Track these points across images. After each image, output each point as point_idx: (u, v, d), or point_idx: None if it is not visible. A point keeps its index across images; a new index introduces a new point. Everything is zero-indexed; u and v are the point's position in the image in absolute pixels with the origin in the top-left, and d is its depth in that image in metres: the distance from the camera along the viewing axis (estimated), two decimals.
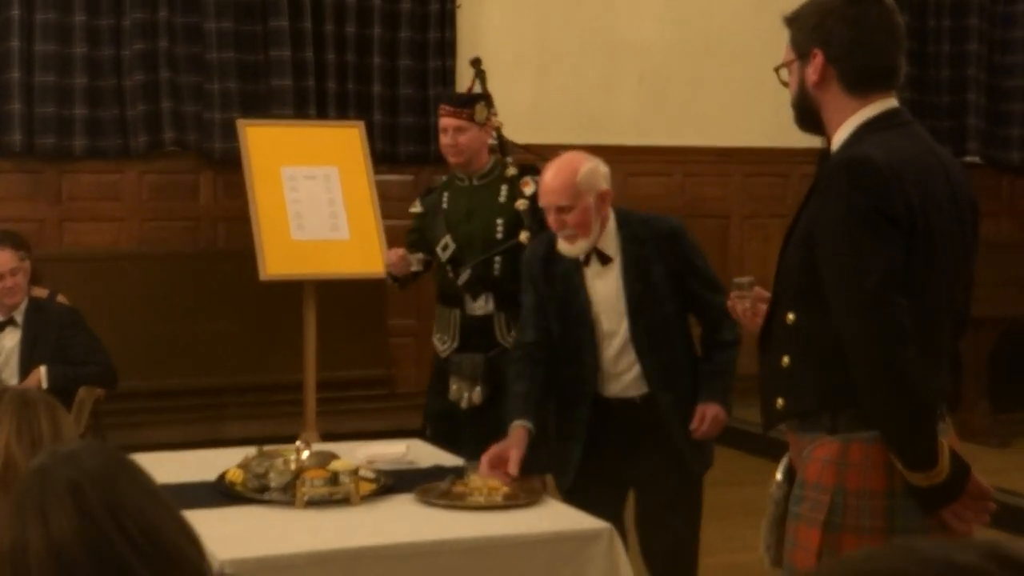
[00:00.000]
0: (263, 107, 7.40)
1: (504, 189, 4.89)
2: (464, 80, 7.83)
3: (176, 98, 7.34)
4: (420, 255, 5.03)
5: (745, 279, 3.16)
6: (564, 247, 3.97)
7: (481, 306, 4.85)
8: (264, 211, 6.45)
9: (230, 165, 7.12)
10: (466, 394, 4.79)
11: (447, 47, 7.78)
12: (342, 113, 7.57)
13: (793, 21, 2.89)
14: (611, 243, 4.00)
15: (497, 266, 4.82)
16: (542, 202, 4.03)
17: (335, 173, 6.69)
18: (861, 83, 2.80)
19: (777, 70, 2.94)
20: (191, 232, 7.54)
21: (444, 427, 4.90)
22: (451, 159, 4.99)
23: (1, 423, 2.12)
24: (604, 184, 3.96)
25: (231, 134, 7.00)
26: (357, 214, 6.61)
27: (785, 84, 2.92)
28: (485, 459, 3.81)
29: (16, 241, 5.78)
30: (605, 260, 3.99)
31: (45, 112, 7.09)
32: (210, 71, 7.33)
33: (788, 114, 2.96)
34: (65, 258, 7.10)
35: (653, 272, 3.98)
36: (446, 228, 4.92)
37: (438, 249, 4.93)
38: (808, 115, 2.89)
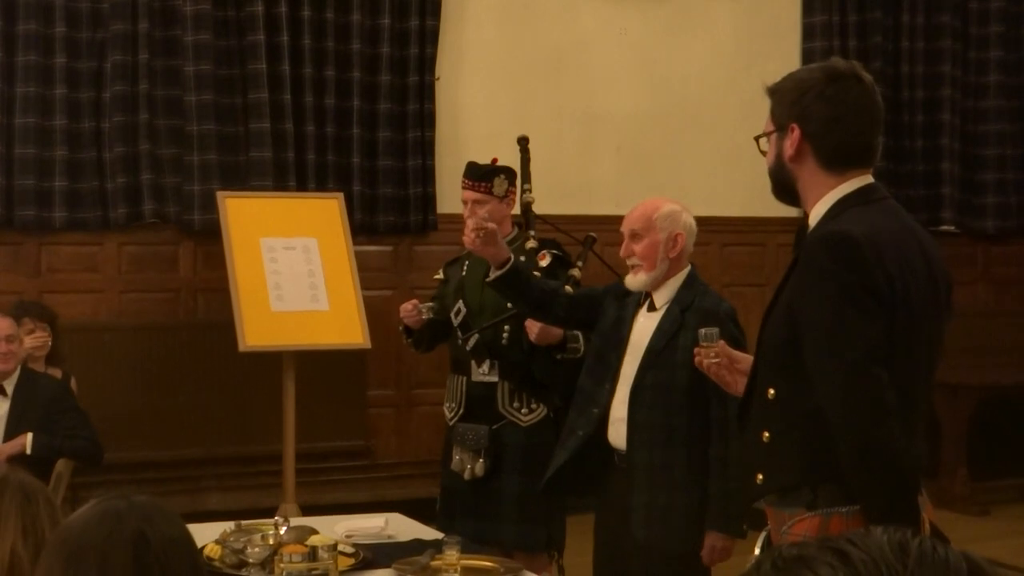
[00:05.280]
0: (243, 179, 7.41)
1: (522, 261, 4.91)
2: (443, 151, 7.89)
3: (156, 170, 7.35)
4: (432, 303, 5.06)
5: (712, 330, 3.18)
6: (628, 279, 4.13)
7: (485, 372, 4.86)
8: (243, 282, 6.45)
9: (209, 236, 7.12)
10: (469, 466, 4.78)
11: (426, 119, 7.82)
12: (321, 184, 7.59)
13: (774, 93, 2.92)
14: (665, 295, 4.09)
15: (506, 335, 4.84)
16: (622, 228, 4.17)
17: (314, 244, 6.70)
18: (837, 161, 2.83)
19: (757, 139, 2.96)
20: (170, 303, 7.53)
21: (448, 501, 4.91)
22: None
23: (7, 523, 2.07)
24: (680, 229, 4.08)
25: (211, 206, 7.01)
26: (336, 285, 6.62)
27: (764, 153, 2.95)
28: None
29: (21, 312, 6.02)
30: (652, 307, 4.10)
31: (25, 184, 7.09)
32: (190, 143, 7.35)
33: (764, 184, 2.99)
34: None
35: (680, 336, 3.99)
36: (461, 294, 4.97)
37: (451, 315, 4.96)
38: (784, 186, 2.91)
